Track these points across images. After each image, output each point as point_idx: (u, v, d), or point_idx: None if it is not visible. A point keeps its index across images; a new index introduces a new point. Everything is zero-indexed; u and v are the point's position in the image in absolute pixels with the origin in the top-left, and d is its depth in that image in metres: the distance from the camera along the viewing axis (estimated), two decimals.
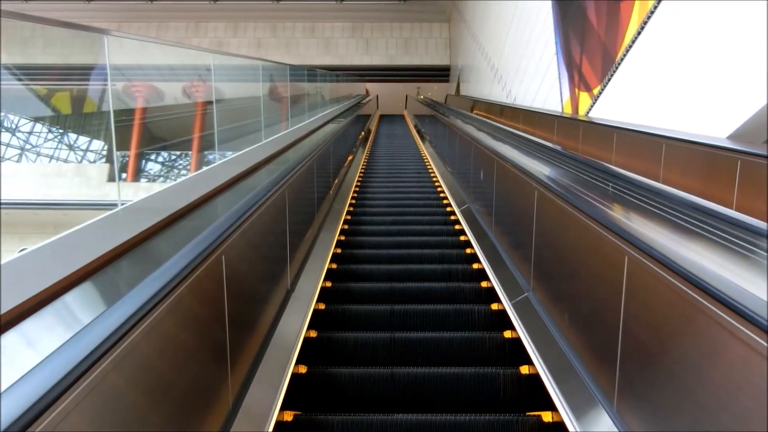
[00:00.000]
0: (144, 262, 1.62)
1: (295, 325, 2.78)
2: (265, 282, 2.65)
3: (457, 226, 5.51)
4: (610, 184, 2.58)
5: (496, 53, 14.27)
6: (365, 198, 7.30)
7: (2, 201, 1.95)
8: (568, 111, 8.97)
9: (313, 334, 3.03)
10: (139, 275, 1.44)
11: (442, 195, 7.43)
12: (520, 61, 11.83)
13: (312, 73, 8.61)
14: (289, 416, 2.37)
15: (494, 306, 3.28)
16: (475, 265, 4.16)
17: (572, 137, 6.99)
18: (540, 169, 3.02)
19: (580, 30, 8.59)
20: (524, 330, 2.75)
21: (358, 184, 8.13)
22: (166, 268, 1.44)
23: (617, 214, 1.93)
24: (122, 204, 2.13)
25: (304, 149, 4.48)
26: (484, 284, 3.67)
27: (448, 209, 6.39)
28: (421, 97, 22.41)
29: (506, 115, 11.07)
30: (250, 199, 2.21)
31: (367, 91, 23.70)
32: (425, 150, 12.15)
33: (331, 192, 5.69)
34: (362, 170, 9.45)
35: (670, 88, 5.71)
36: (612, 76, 7.30)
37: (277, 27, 25.00)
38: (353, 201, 6.83)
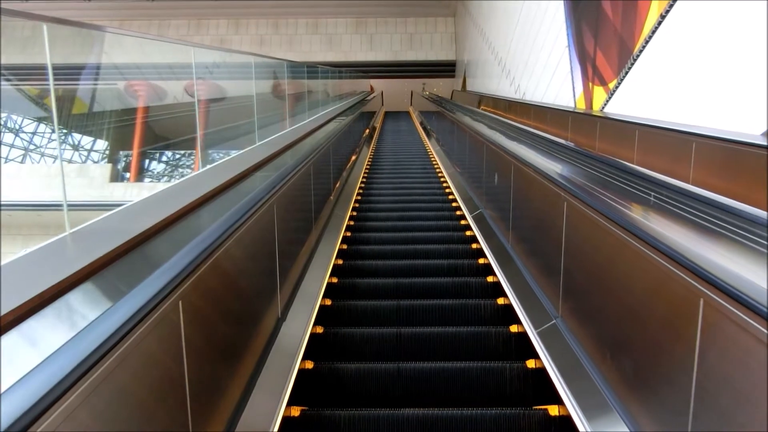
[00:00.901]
0: (68, 316, 1.24)
1: (280, 381, 2.35)
2: (244, 323, 2.22)
3: (468, 232, 5.09)
4: (652, 194, 2.19)
5: (504, 47, 13.87)
6: (369, 205, 6.70)
7: None
8: (581, 106, 8.60)
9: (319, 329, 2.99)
10: (57, 337, 1.07)
11: (451, 197, 7.05)
12: (529, 55, 11.44)
13: (312, 69, 8.22)
14: (296, 411, 2.35)
15: (513, 328, 2.97)
16: (501, 301, 3.52)
17: (588, 134, 6.60)
18: (568, 175, 2.62)
19: (593, 21, 8.20)
20: (552, 363, 2.36)
21: (362, 188, 7.62)
22: (92, 328, 1.07)
23: (683, 240, 1.54)
24: (71, 209, 1.77)
25: (303, 151, 4.10)
26: (513, 328, 3.21)
27: (458, 213, 5.98)
28: (427, 93, 22.06)
29: (516, 111, 10.67)
30: (220, 224, 1.80)
31: (371, 88, 23.33)
32: (432, 148, 11.77)
33: (331, 197, 5.22)
34: (366, 172, 9.01)
35: (694, 81, 5.31)
36: (629, 69, 6.92)
37: (280, 23, 24.69)
38: (355, 207, 6.28)
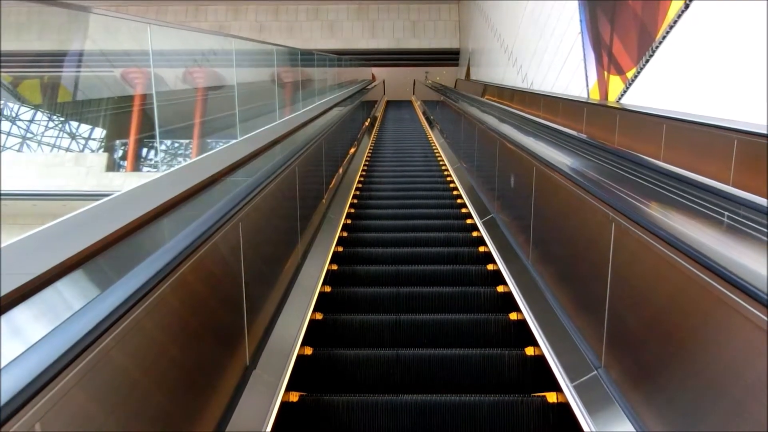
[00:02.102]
0: None
1: None
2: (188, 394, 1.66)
3: (482, 248, 4.35)
4: (726, 214, 1.69)
5: (511, 34, 13.32)
6: (365, 220, 5.55)
7: None
8: (595, 97, 8.09)
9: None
10: None
11: (455, 192, 6.55)
12: (538, 42, 10.90)
13: (308, 56, 7.66)
14: (294, 397, 2.36)
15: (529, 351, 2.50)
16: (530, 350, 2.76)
17: (606, 128, 6.09)
18: (615, 186, 2.09)
19: (610, 5, 7.66)
20: None
21: (359, 187, 6.93)
22: None
23: None
24: None
25: (291, 147, 3.59)
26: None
27: (469, 221, 5.39)
28: (430, 82, 21.55)
29: (524, 101, 10.14)
30: (161, 254, 1.31)
31: (373, 76, 22.83)
32: (435, 140, 11.26)
33: (324, 200, 4.62)
34: (365, 168, 8.37)
35: (725, 71, 4.80)
36: (651, 57, 6.39)
37: (280, 10, 24.17)
38: (350, 217, 5.40)
